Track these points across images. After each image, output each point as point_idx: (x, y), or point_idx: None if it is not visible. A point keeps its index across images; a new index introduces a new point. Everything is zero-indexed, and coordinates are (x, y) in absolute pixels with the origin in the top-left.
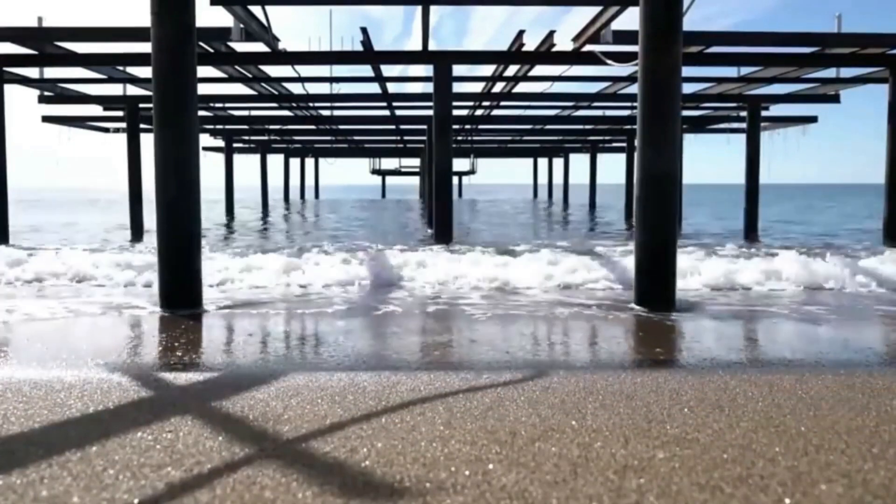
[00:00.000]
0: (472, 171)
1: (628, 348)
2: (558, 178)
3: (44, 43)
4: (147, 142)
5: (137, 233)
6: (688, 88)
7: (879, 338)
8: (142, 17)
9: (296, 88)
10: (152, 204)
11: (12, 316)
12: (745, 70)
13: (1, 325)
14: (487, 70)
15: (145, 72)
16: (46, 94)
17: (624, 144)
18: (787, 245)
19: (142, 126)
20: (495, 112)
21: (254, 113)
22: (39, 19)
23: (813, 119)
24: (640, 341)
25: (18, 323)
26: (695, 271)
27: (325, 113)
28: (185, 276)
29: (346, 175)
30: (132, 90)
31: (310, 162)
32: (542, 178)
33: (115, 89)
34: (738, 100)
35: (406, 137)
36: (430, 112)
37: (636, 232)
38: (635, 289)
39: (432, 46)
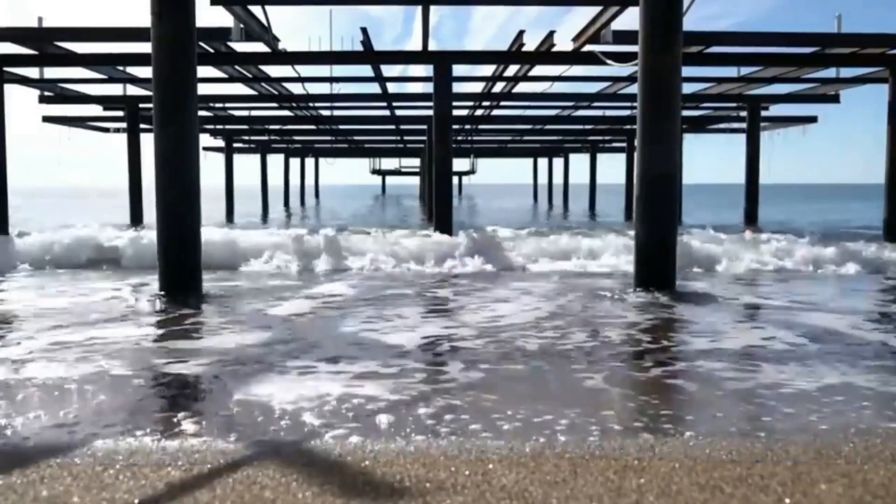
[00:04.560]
0: (472, 171)
1: None
2: (558, 178)
3: (44, 43)
4: (147, 142)
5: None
6: (688, 88)
7: None
8: (142, 17)
9: (296, 88)
10: (152, 206)
11: None
12: (745, 70)
13: None
14: (487, 70)
15: (145, 72)
16: (46, 94)
17: (624, 144)
18: None
19: (142, 126)
20: (495, 112)
21: (254, 113)
22: (39, 19)
23: (813, 119)
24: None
25: None
26: None
27: (325, 113)
28: (186, 274)
29: (346, 175)
30: (132, 90)
31: (310, 162)
32: (542, 178)
33: (115, 89)
34: (738, 100)
35: (406, 137)
36: (430, 112)
37: (636, 229)
38: (635, 280)
39: (432, 46)
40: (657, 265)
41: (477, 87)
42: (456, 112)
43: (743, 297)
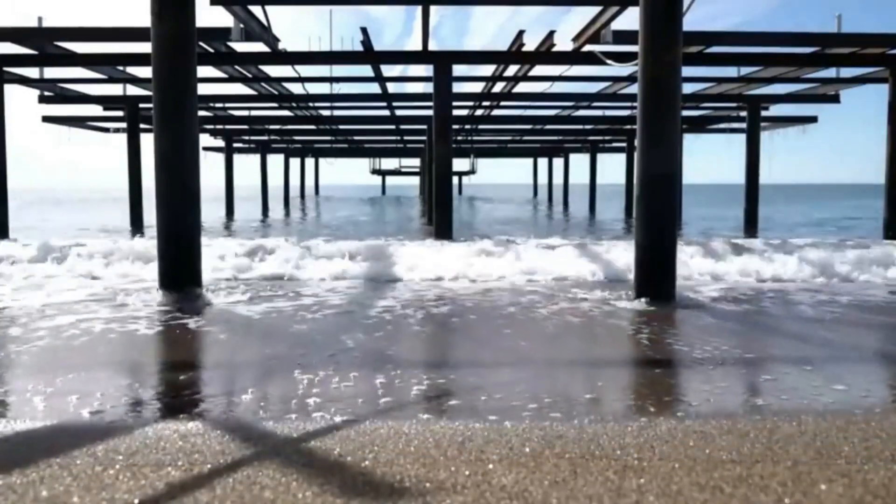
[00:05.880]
0: (472, 171)
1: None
2: (559, 179)
3: (44, 43)
4: (147, 142)
5: (138, 231)
6: (688, 88)
7: None
8: (142, 17)
9: (296, 88)
10: (153, 207)
11: None
12: (745, 70)
13: None
14: (487, 70)
15: (145, 72)
16: (46, 94)
17: (624, 144)
18: None
19: (142, 126)
20: (495, 112)
21: (254, 113)
22: (39, 19)
23: (813, 119)
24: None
25: None
26: None
27: (325, 113)
28: (186, 274)
29: (346, 175)
30: (132, 90)
31: (310, 161)
32: (542, 178)
33: (115, 89)
34: (738, 100)
35: (406, 137)
36: (430, 112)
37: (636, 231)
38: (635, 284)
39: (432, 46)
40: (656, 267)
41: (477, 87)
42: (456, 112)
43: (740, 309)
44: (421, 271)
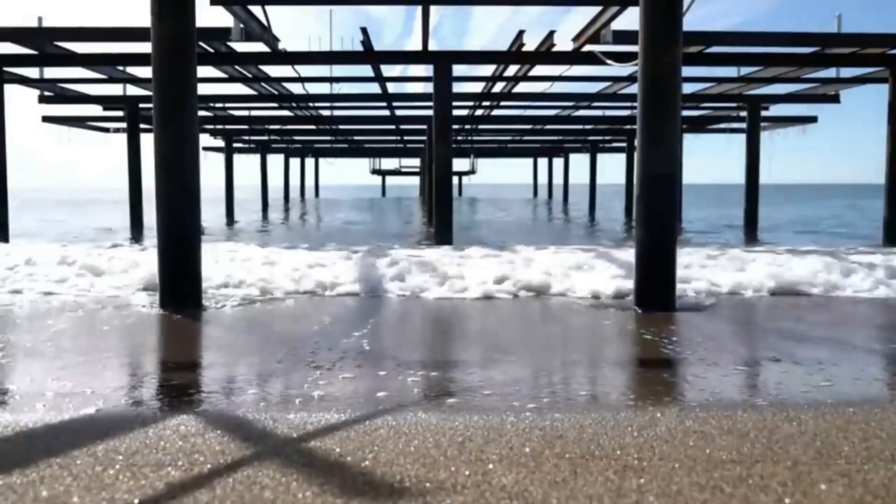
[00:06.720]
0: (472, 171)
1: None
2: (559, 178)
3: (44, 43)
4: (147, 142)
5: (138, 232)
6: (688, 88)
7: None
8: (142, 17)
9: (296, 88)
10: (152, 204)
11: None
12: (745, 70)
13: None
14: (487, 70)
15: (145, 72)
16: (46, 94)
17: (624, 144)
18: None
19: (142, 126)
20: (495, 112)
21: (254, 113)
22: (39, 19)
23: (813, 119)
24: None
25: None
26: None
27: (325, 113)
28: (185, 275)
29: (346, 175)
30: (132, 90)
31: (310, 161)
32: (542, 178)
33: (115, 89)
34: (738, 100)
35: (406, 137)
36: (430, 112)
37: (636, 232)
38: (635, 289)
39: (432, 46)
40: (656, 267)
41: (477, 87)
42: (456, 112)
43: (744, 313)
44: (417, 279)
